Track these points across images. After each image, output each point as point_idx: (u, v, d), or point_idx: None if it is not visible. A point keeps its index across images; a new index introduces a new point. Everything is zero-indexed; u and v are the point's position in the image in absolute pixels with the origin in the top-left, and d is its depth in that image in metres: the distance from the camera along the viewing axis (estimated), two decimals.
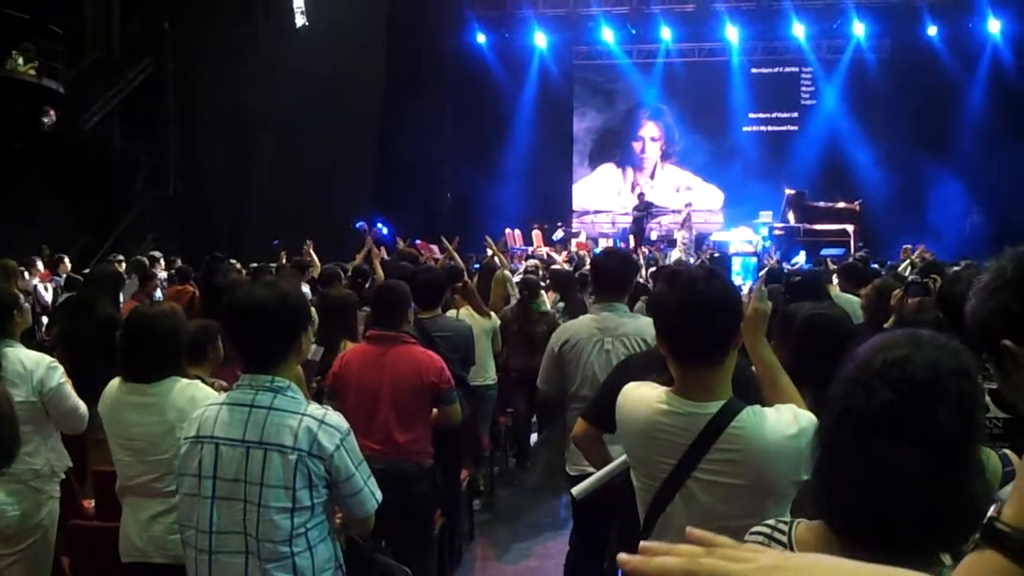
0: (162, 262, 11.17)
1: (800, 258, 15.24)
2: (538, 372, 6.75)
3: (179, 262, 10.99)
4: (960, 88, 18.44)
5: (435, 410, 4.25)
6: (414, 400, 4.14)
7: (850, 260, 9.64)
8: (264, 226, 14.30)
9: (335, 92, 14.83)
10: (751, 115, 20.52)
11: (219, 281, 5.73)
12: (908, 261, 8.93)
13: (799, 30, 19.33)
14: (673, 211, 19.23)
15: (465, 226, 17.40)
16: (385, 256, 10.73)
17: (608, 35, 20.04)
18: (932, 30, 18.70)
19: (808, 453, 2.06)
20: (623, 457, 2.37)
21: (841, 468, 1.35)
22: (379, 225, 15.65)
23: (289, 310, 2.46)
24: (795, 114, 20.47)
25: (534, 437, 7.72)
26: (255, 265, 10.62)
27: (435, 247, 12.01)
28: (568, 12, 19.93)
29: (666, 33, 19.83)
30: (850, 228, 17.10)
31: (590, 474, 3.83)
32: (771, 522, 1.53)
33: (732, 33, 19.57)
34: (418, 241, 12.68)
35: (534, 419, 7.63)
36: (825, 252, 15.40)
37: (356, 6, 15.65)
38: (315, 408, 2.44)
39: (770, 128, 20.53)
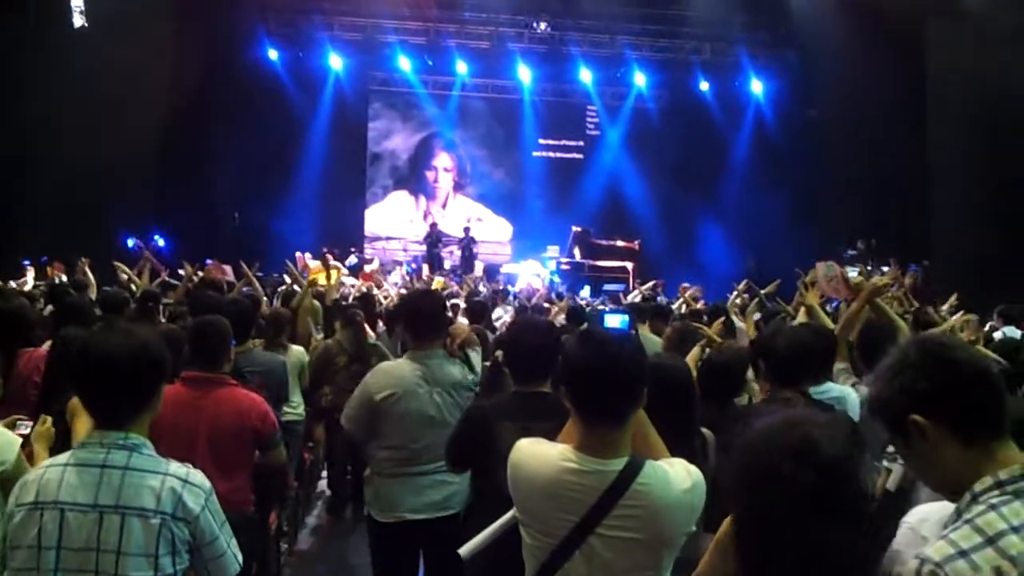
0: None
1: (585, 292, 15.94)
2: None
3: None
4: (728, 140, 20.22)
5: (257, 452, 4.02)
6: (236, 446, 3.86)
7: (640, 298, 10.16)
8: (26, 238, 13.02)
9: (116, 98, 13.75)
10: (540, 140, 21.35)
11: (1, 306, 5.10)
12: (682, 300, 9.52)
13: (586, 75, 20.35)
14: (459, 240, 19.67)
15: (252, 247, 16.72)
16: (169, 279, 10.05)
17: (405, 64, 20.09)
18: (704, 85, 20.36)
19: (698, 505, 2.18)
20: (511, 513, 2.34)
21: (776, 551, 1.40)
22: (156, 238, 14.65)
23: (151, 361, 2.26)
24: (581, 143, 21.57)
25: None
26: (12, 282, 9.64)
27: (228, 268, 11.41)
28: (365, 37, 19.76)
29: (461, 67, 20.19)
30: (629, 265, 18.13)
31: (403, 520, 3.81)
32: None
33: (524, 73, 20.28)
34: (209, 261, 11.94)
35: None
36: (607, 288, 16.25)
37: (140, 10, 14.67)
38: (177, 467, 2.25)
39: (558, 155, 21.44)
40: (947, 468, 1.58)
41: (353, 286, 13.36)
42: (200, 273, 9.64)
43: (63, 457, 2.24)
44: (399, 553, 3.94)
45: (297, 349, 6.20)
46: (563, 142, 21.59)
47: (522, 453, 2.28)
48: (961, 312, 7.07)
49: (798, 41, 18.67)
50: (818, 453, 1.42)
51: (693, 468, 2.23)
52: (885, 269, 13.89)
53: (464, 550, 2.44)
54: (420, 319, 4.01)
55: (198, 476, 2.27)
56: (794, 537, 1.39)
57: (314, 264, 16.05)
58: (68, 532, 2.12)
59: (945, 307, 7.72)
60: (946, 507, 1.66)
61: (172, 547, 2.16)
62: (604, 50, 20.07)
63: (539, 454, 2.24)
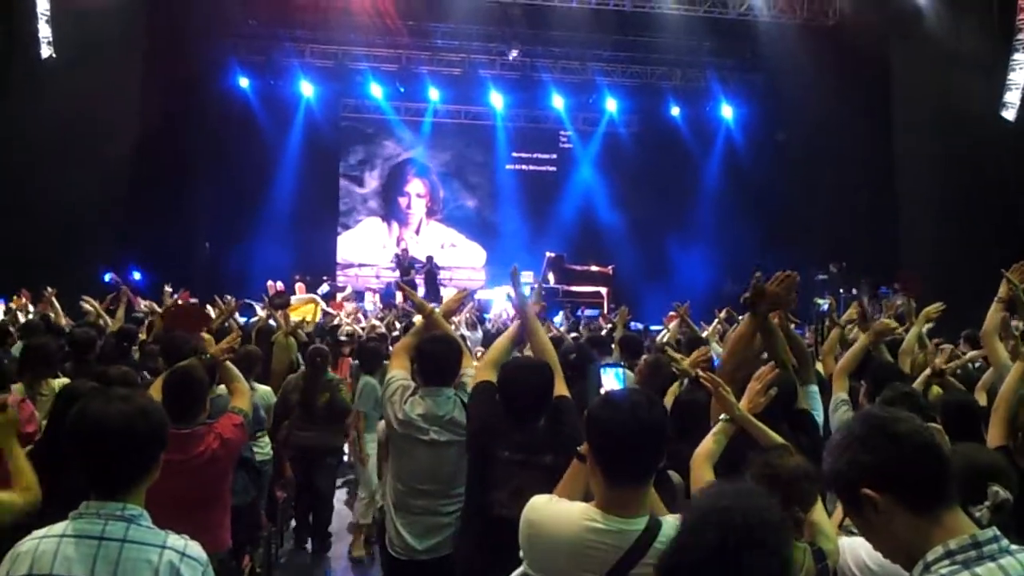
0: None
1: (559, 318, 15.92)
2: (322, 446, 6.55)
3: None
4: (699, 164, 20.39)
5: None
6: (211, 485, 3.79)
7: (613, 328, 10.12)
8: None
9: (86, 129, 13.61)
10: (514, 154, 21.40)
11: None
12: (677, 322, 9.40)
13: (559, 102, 20.49)
14: (441, 268, 19.61)
15: (224, 277, 16.60)
16: (156, 307, 9.85)
17: (376, 90, 20.12)
18: (675, 111, 20.55)
19: None
20: (520, 570, 2.35)
21: None
22: (134, 273, 14.50)
23: (152, 429, 2.22)
24: (554, 155, 21.66)
25: None
26: None
27: (195, 302, 11.22)
28: (336, 64, 19.77)
29: (434, 94, 20.25)
30: (603, 290, 18.17)
31: (417, 560, 3.80)
32: None
33: (496, 99, 20.36)
34: (180, 292, 11.78)
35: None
36: (586, 313, 16.26)
37: (110, 39, 14.55)
38: (175, 539, 2.21)
39: (531, 168, 21.51)
40: (899, 538, 1.62)
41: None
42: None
43: (59, 527, 2.18)
44: None
45: (263, 389, 6.13)
46: (536, 155, 21.67)
47: (542, 512, 2.30)
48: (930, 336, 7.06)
49: (766, 66, 18.91)
50: (726, 522, 1.54)
51: None
52: (855, 291, 14.03)
53: None
54: (430, 364, 4.06)
55: (195, 549, 2.23)
56: None
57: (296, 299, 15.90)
58: None
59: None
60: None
61: None
62: (575, 76, 20.23)
63: (561, 513, 2.26)
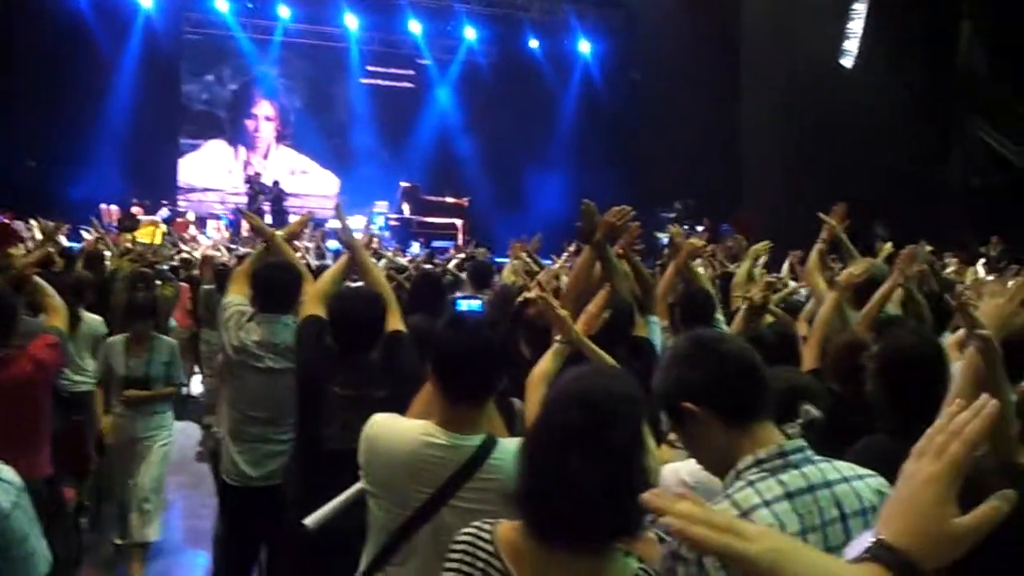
0: None
1: (415, 248, 15.80)
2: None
3: None
4: (557, 98, 20.50)
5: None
6: (26, 410, 3.62)
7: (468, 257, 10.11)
8: None
9: None
10: (369, 67, 20.79)
11: None
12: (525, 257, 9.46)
13: (415, 27, 20.00)
14: (290, 195, 18.93)
15: (53, 199, 15.49)
16: None
17: (222, 5, 19.03)
18: (534, 43, 20.46)
19: None
20: (358, 485, 2.38)
21: (538, 472, 1.57)
22: None
23: None
24: (411, 72, 21.15)
25: None
26: None
27: (20, 223, 10.45)
28: None
29: (284, 11, 19.39)
30: (459, 222, 18.13)
31: (251, 487, 3.73)
32: (472, 529, 1.69)
33: (351, 21, 19.68)
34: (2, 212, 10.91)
35: None
36: (436, 244, 16.19)
37: None
38: None
39: (387, 83, 20.97)
40: (715, 449, 1.73)
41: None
42: None
43: None
44: (241, 516, 4.00)
45: (92, 318, 5.73)
46: (392, 70, 21.08)
47: (380, 428, 2.33)
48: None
49: (623, 2, 19.05)
50: (588, 398, 1.58)
51: None
52: (700, 228, 14.54)
53: (310, 520, 2.48)
54: (268, 290, 3.95)
55: (9, 472, 2.08)
56: (549, 460, 1.55)
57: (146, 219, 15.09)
58: None
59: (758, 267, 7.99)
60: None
61: None
62: (433, 2, 19.79)
63: (400, 429, 2.31)
